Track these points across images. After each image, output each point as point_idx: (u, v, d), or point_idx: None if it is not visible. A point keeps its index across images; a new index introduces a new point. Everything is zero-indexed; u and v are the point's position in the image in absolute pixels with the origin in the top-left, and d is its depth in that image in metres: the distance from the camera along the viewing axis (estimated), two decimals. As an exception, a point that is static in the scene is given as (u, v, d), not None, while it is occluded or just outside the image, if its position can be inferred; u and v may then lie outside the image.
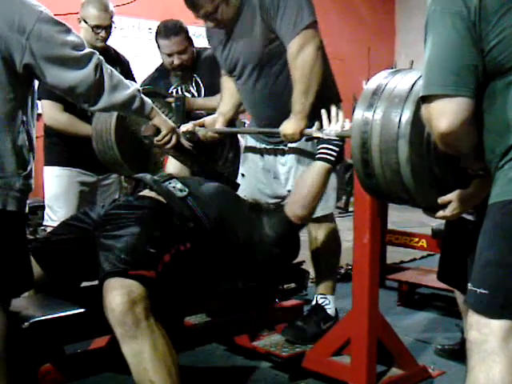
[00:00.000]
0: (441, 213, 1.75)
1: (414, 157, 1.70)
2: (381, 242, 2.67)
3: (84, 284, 2.30)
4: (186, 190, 2.24)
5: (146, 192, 2.26)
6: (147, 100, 2.18)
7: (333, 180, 2.65)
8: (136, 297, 1.85)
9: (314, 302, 2.78)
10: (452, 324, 3.13)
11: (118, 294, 1.84)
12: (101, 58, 1.94)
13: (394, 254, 4.50)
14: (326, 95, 2.58)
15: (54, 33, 1.81)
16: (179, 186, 2.25)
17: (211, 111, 3.03)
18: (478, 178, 1.68)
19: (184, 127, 2.79)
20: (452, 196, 1.72)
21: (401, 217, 5.63)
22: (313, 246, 2.79)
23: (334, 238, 2.79)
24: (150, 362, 1.82)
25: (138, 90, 2.10)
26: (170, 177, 2.32)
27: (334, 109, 2.36)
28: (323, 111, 2.36)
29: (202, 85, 3.38)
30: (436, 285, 3.26)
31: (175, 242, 2.05)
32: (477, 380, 1.43)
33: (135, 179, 2.42)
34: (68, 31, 1.86)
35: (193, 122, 2.83)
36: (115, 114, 2.77)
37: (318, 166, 2.32)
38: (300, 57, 2.46)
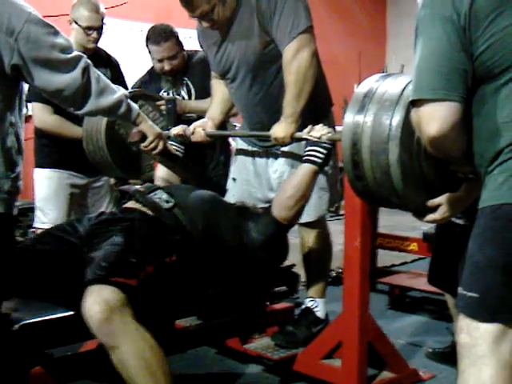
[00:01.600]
0: (431, 216, 1.76)
1: (404, 158, 1.71)
2: (371, 245, 2.68)
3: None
4: (172, 200, 2.22)
5: (131, 204, 2.25)
6: (134, 105, 2.17)
7: (324, 183, 2.65)
8: (115, 304, 1.82)
9: (303, 306, 2.78)
10: (443, 327, 3.14)
11: (96, 302, 1.81)
12: (88, 61, 1.94)
13: (385, 258, 4.51)
14: (318, 99, 2.58)
15: (43, 35, 1.80)
16: (165, 196, 2.23)
17: (202, 114, 3.02)
18: (468, 182, 1.68)
19: (175, 130, 2.78)
20: (441, 199, 1.72)
21: (392, 220, 5.64)
22: (304, 249, 2.78)
23: (325, 241, 2.79)
24: (133, 371, 1.80)
25: (125, 95, 2.09)
26: (155, 187, 2.32)
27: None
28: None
29: (192, 88, 3.38)
30: (427, 288, 3.27)
31: (159, 255, 2.03)
32: (467, 383, 1.44)
33: (120, 191, 2.41)
34: (56, 33, 1.85)
35: (183, 125, 2.82)
36: (106, 115, 2.76)
37: (304, 168, 2.32)
38: (295, 61, 2.45)
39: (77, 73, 1.88)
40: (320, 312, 2.74)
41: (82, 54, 1.93)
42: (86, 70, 1.90)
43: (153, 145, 2.38)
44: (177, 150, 2.72)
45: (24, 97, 1.95)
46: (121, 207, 2.27)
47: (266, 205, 2.77)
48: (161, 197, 2.23)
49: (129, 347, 1.81)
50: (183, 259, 2.10)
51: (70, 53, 1.87)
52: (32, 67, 1.80)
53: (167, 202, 2.22)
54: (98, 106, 1.97)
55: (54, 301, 2.15)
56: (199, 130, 2.77)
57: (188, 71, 3.39)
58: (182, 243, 2.11)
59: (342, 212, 2.68)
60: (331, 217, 5.99)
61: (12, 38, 1.74)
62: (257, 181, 2.83)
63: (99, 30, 3.15)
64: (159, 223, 2.14)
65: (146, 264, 1.97)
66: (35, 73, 1.81)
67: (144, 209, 2.19)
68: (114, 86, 2.04)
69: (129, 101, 2.12)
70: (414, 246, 3.92)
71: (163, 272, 2.02)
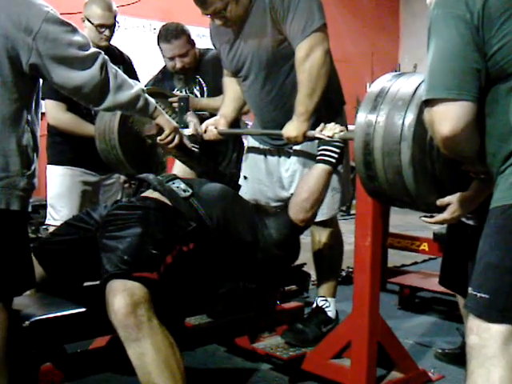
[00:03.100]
0: (440, 216, 1.75)
1: (416, 159, 1.70)
2: (382, 245, 2.67)
3: (85, 283, 2.30)
4: (190, 190, 2.24)
5: (149, 192, 2.26)
6: (151, 99, 2.19)
7: (336, 183, 2.65)
8: (139, 299, 1.83)
9: (314, 305, 2.78)
10: (453, 328, 3.13)
11: (121, 297, 1.83)
12: (106, 57, 1.95)
13: (395, 258, 4.50)
14: (331, 98, 2.58)
15: (61, 33, 1.81)
16: (183, 186, 2.25)
17: (214, 111, 3.02)
18: (478, 181, 1.68)
19: (188, 131, 2.79)
20: (452, 198, 1.72)
21: (403, 220, 5.63)
22: (315, 248, 2.78)
23: (336, 241, 2.79)
24: (153, 365, 1.81)
25: (142, 90, 2.11)
26: (174, 177, 2.32)
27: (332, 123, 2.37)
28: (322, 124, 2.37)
29: (205, 86, 3.38)
30: (437, 288, 3.25)
31: (177, 243, 2.05)
32: (476, 385, 1.43)
33: (138, 179, 2.42)
34: (74, 31, 1.87)
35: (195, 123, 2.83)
36: (118, 113, 2.78)
37: (319, 169, 2.32)
38: (308, 60, 2.45)
39: (95, 69, 1.89)
40: (331, 312, 2.74)
41: (100, 51, 1.94)
42: (103, 67, 1.91)
43: (169, 138, 2.40)
44: (192, 146, 2.73)
45: (40, 94, 1.97)
46: (139, 195, 2.28)
47: (278, 203, 2.77)
48: (179, 186, 2.25)
49: (151, 341, 1.82)
50: (200, 248, 2.10)
51: (88, 50, 1.89)
52: (51, 65, 1.81)
53: (185, 191, 2.23)
54: (116, 102, 1.99)
55: (78, 289, 2.21)
56: (211, 128, 2.78)
57: (200, 69, 3.40)
58: (198, 232, 2.11)
59: (353, 211, 2.68)
60: (342, 216, 6.00)
61: (30, 37, 1.76)
62: (268, 179, 2.83)
63: (111, 28, 3.16)
64: (176, 212, 2.14)
65: (166, 254, 1.98)
66: (54, 71, 1.82)
67: (162, 198, 2.20)
68: (131, 81, 2.06)
69: (146, 95, 2.13)
70: (424, 246, 3.90)
71: (180, 262, 2.03)
